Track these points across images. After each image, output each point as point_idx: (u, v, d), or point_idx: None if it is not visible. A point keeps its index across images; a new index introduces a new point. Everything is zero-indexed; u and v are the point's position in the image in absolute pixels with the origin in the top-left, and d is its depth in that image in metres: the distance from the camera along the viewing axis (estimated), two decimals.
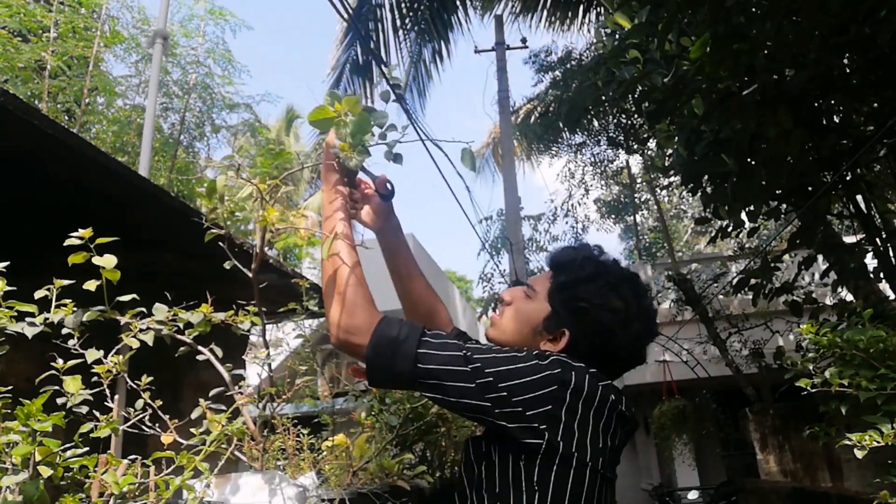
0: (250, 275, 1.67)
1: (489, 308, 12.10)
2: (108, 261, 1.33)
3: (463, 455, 1.14)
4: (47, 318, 1.32)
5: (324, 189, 1.24)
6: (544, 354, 1.04)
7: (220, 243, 1.75)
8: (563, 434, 0.98)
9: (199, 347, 1.42)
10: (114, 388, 1.54)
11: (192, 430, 1.54)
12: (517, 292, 1.20)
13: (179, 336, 1.45)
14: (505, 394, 0.97)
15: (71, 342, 1.42)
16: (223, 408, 1.74)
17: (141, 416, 1.61)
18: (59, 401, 1.28)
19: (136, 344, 1.48)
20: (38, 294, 1.36)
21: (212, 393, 1.77)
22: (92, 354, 1.37)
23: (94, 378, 1.47)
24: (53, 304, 1.34)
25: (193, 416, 1.61)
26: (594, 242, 1.24)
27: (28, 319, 1.30)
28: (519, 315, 1.17)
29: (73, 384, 1.27)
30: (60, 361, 1.35)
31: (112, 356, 1.51)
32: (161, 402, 1.68)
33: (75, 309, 1.36)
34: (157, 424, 1.70)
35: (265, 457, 2.21)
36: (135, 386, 1.63)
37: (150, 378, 1.66)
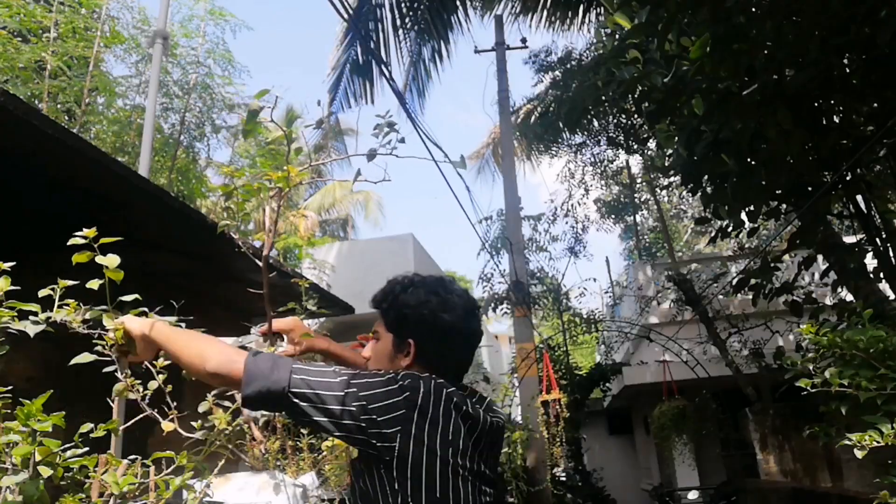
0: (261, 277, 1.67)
1: (489, 308, 12.09)
2: (111, 260, 1.34)
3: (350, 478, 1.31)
4: (49, 318, 1.33)
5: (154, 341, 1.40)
6: (397, 376, 1.20)
7: (237, 243, 1.75)
8: (414, 441, 1.14)
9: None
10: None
11: (194, 424, 1.54)
12: (370, 345, 1.42)
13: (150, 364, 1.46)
14: (364, 402, 1.14)
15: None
16: (228, 405, 1.74)
17: (142, 415, 1.61)
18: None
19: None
20: (42, 293, 1.36)
21: (212, 393, 1.77)
22: (88, 357, 1.37)
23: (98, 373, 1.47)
24: (56, 303, 1.35)
25: (200, 409, 1.61)
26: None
27: (31, 318, 1.31)
28: (377, 356, 1.38)
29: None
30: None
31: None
32: (161, 402, 1.68)
33: (78, 307, 1.37)
34: (159, 408, 1.69)
35: (265, 457, 2.22)
36: (135, 388, 1.63)
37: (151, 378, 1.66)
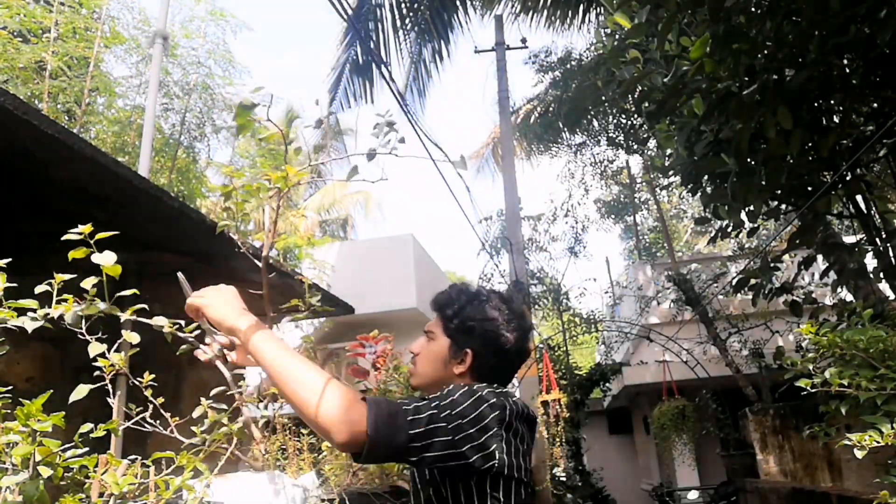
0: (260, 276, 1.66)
1: None
2: (106, 257, 1.33)
3: (412, 483, 1.32)
4: (48, 314, 1.32)
5: (242, 330, 1.21)
6: (483, 392, 1.20)
7: (237, 243, 1.75)
8: (507, 455, 1.19)
9: (201, 346, 1.41)
10: (114, 387, 1.54)
11: (193, 428, 1.54)
12: (421, 341, 1.44)
13: (181, 334, 1.44)
14: (472, 430, 1.14)
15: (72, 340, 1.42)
16: (224, 407, 1.74)
17: (142, 413, 1.61)
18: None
19: (136, 339, 1.47)
20: (39, 289, 1.35)
21: (213, 392, 1.77)
22: (96, 347, 1.37)
23: (96, 373, 1.47)
24: (54, 300, 1.34)
25: (195, 414, 1.61)
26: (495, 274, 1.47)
27: (29, 314, 1.30)
28: (429, 357, 1.41)
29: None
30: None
31: (113, 353, 1.51)
32: (161, 400, 1.68)
33: (76, 303, 1.36)
34: (158, 422, 1.70)
35: (265, 457, 2.22)
36: (137, 383, 1.63)
37: (151, 377, 1.66)
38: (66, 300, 1.35)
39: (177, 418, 1.69)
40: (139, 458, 1.43)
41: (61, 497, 1.23)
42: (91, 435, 1.27)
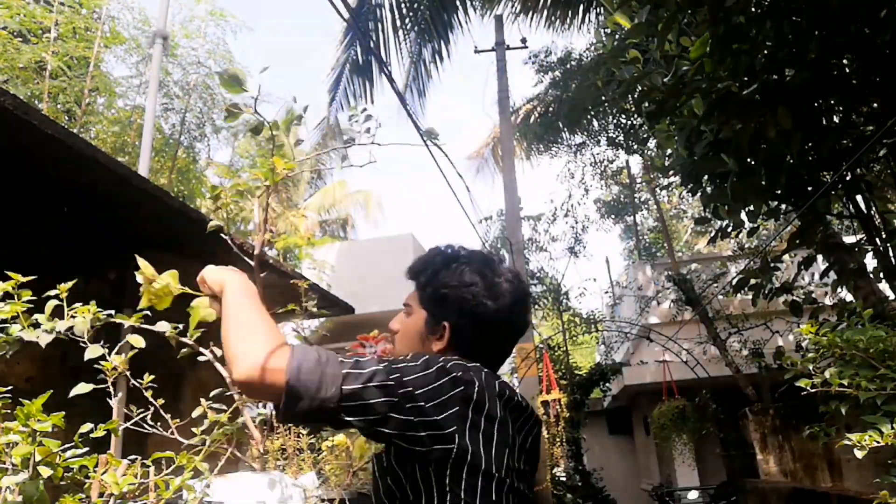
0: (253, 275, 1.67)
1: None
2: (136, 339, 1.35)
3: (371, 474, 1.15)
4: (54, 328, 1.32)
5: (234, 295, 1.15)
6: (447, 364, 1.04)
7: (228, 241, 1.75)
8: (470, 440, 1.00)
9: (200, 349, 1.41)
10: (115, 388, 1.54)
11: (193, 429, 1.54)
12: (400, 316, 1.26)
13: (181, 338, 1.44)
14: (422, 403, 0.98)
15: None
16: (224, 407, 1.74)
17: (143, 414, 1.61)
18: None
19: (140, 343, 1.47)
20: (49, 306, 1.35)
21: (213, 393, 1.77)
22: (94, 350, 1.37)
23: (99, 377, 1.47)
24: (67, 313, 1.33)
25: (194, 415, 1.61)
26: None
27: (43, 326, 1.30)
28: (406, 333, 1.23)
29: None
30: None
31: (114, 355, 1.51)
32: (162, 402, 1.68)
33: (84, 314, 1.36)
34: (158, 423, 1.70)
35: (265, 457, 2.21)
36: (137, 384, 1.63)
37: (151, 377, 1.66)
38: (76, 313, 1.35)
39: (177, 420, 1.69)
40: (139, 458, 1.43)
41: (61, 497, 1.23)
42: (91, 435, 1.27)
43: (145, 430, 1.66)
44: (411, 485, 1.03)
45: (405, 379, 1.00)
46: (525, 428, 1.13)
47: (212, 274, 1.23)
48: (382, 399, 0.97)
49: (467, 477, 1.00)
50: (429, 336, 1.19)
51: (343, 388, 0.96)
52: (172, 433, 1.67)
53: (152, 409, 1.65)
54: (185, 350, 1.49)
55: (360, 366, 1.00)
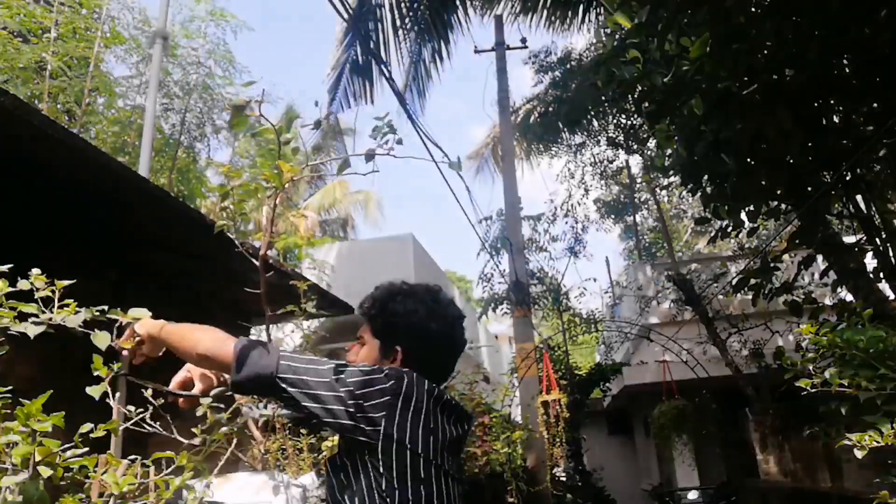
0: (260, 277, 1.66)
1: (489, 308, 12.09)
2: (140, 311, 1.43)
3: (326, 476, 1.33)
4: (51, 319, 1.33)
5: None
6: (381, 367, 1.27)
7: (235, 243, 1.75)
8: (398, 427, 1.19)
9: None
10: (114, 388, 1.53)
11: (193, 430, 1.54)
12: (354, 348, 1.44)
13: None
14: (352, 388, 1.18)
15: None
16: (222, 406, 1.73)
17: (142, 413, 1.61)
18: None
19: (147, 314, 1.48)
20: (40, 295, 1.35)
21: (213, 392, 1.77)
22: (102, 338, 1.37)
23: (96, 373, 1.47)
24: (56, 304, 1.34)
25: (198, 413, 1.61)
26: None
27: (32, 319, 1.31)
28: (362, 361, 1.39)
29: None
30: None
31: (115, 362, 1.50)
32: (162, 402, 1.68)
33: (78, 310, 1.36)
34: (157, 423, 1.70)
35: (265, 457, 2.22)
36: (137, 383, 1.63)
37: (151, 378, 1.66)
38: (67, 305, 1.35)
39: (177, 421, 1.68)
40: (139, 458, 1.43)
41: (61, 497, 1.23)
42: (91, 435, 1.27)
43: (145, 430, 1.66)
44: (355, 473, 1.20)
45: (341, 368, 1.21)
46: (458, 423, 1.32)
47: (141, 328, 1.42)
48: (316, 379, 1.18)
49: (397, 457, 1.18)
50: (382, 360, 1.36)
51: (280, 361, 1.20)
52: (172, 432, 1.67)
53: (151, 407, 1.65)
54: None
55: (300, 353, 1.28)
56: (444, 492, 1.21)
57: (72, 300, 1.36)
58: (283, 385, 1.19)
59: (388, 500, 1.17)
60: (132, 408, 1.63)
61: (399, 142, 1.64)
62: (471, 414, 1.42)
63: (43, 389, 1.14)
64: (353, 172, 1.63)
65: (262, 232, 1.95)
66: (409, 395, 1.22)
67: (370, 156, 1.55)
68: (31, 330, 1.29)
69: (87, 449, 1.24)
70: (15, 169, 2.69)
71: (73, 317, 1.35)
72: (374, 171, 1.59)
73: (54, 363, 2.92)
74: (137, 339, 1.42)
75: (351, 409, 1.17)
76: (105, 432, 1.31)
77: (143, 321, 1.43)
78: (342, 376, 1.20)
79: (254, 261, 1.62)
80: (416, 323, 1.35)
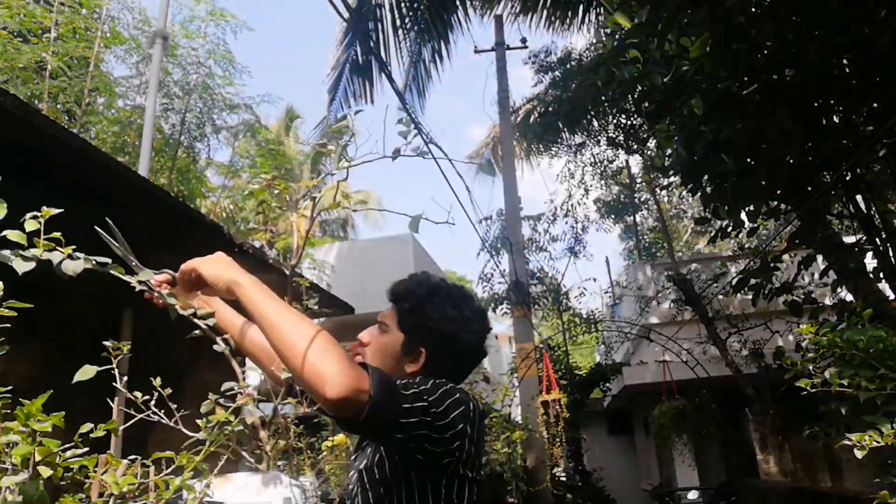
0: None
1: (489, 308, 12.09)
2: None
3: (356, 486, 1.22)
4: (37, 256, 1.12)
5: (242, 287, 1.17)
6: (451, 388, 1.15)
7: (235, 244, 1.75)
8: (466, 453, 1.15)
9: (214, 336, 1.38)
10: (114, 389, 1.54)
11: (199, 421, 1.53)
12: (373, 331, 1.34)
13: (195, 319, 1.35)
14: (440, 422, 1.09)
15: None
16: (231, 405, 1.73)
17: (144, 414, 1.61)
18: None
19: (152, 276, 1.32)
20: (30, 226, 1.15)
21: (224, 387, 1.76)
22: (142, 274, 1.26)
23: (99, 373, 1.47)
24: (42, 236, 1.13)
25: (202, 410, 1.61)
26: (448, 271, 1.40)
27: (16, 251, 1.10)
28: (380, 349, 1.30)
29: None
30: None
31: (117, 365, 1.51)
32: (168, 391, 1.68)
33: (75, 254, 1.16)
34: (161, 413, 1.69)
35: (265, 457, 2.22)
36: (130, 395, 1.63)
37: (151, 379, 1.66)
38: (59, 240, 1.16)
39: (177, 422, 1.68)
40: (139, 458, 1.43)
41: (61, 497, 1.23)
42: (91, 435, 1.27)
43: (145, 430, 1.66)
44: (407, 490, 1.14)
45: (430, 399, 1.09)
46: (483, 431, 1.28)
47: (214, 269, 1.20)
48: (421, 418, 1.07)
49: (458, 482, 1.15)
50: (403, 357, 1.28)
51: (404, 406, 1.04)
52: (176, 422, 1.66)
53: (156, 397, 1.65)
54: (196, 331, 1.38)
55: (406, 387, 1.08)
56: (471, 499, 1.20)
57: (72, 247, 1.18)
58: (399, 436, 1.06)
59: None
60: (139, 394, 1.63)
61: (422, 151, 1.61)
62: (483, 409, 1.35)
63: (43, 389, 1.14)
64: (344, 178, 1.60)
65: (262, 232, 1.94)
66: (475, 420, 1.17)
67: (396, 155, 1.53)
68: (20, 266, 1.08)
69: (87, 449, 1.23)
70: (14, 169, 2.69)
71: (69, 263, 1.13)
72: (449, 222, 1.56)
73: (54, 363, 2.92)
74: (193, 276, 1.22)
75: (440, 445, 1.10)
76: (105, 432, 1.31)
77: (215, 259, 1.22)
78: (434, 408, 1.09)
79: (283, 267, 1.62)
80: (450, 332, 1.27)
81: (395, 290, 1.35)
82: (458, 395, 1.14)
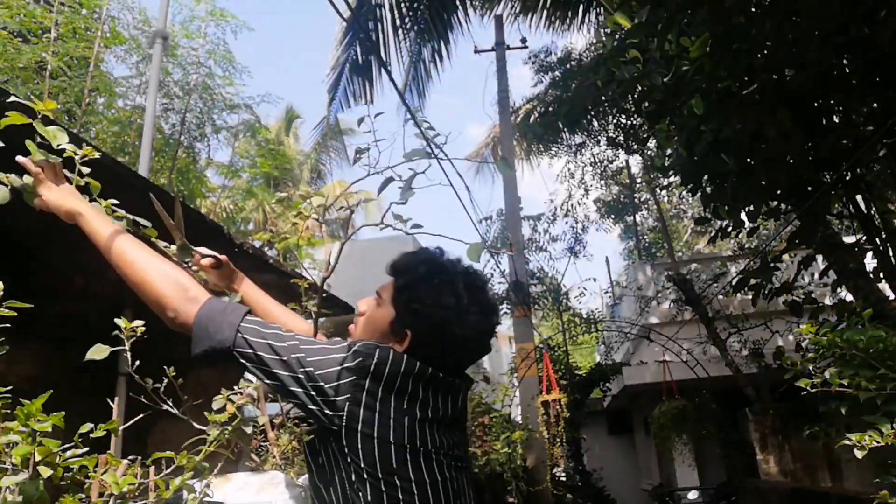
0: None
1: None
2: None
3: (305, 461, 1.23)
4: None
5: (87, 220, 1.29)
6: (354, 344, 1.12)
7: (236, 243, 1.75)
8: (365, 411, 1.06)
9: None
10: (114, 389, 1.54)
11: (207, 413, 1.53)
12: (370, 301, 1.27)
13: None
14: (311, 369, 1.07)
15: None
16: (242, 402, 1.73)
17: (145, 412, 1.61)
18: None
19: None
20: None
21: (239, 385, 1.76)
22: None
23: (99, 373, 1.47)
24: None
25: (214, 406, 1.61)
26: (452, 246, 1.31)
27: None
28: (369, 323, 1.24)
29: None
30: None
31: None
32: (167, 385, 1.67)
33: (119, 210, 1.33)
34: (163, 409, 1.69)
35: (265, 457, 2.22)
36: (137, 378, 1.63)
37: (151, 379, 1.66)
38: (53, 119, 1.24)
39: (185, 410, 1.68)
40: (139, 457, 1.43)
41: (61, 497, 1.23)
42: (91, 435, 1.27)
43: (145, 430, 1.66)
44: (327, 461, 1.11)
45: (303, 346, 1.10)
46: (452, 396, 1.18)
47: (55, 197, 1.30)
48: (273, 357, 1.08)
49: (364, 448, 1.05)
50: (389, 335, 1.20)
51: (238, 334, 1.09)
52: (184, 413, 1.66)
53: (162, 386, 1.64)
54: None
55: (265, 325, 1.12)
56: (434, 480, 1.08)
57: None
58: (242, 360, 1.09)
59: (359, 493, 1.06)
60: (150, 380, 1.62)
61: (439, 138, 1.59)
62: (467, 375, 1.24)
63: (43, 389, 1.14)
64: (387, 225, 1.53)
65: (262, 232, 1.95)
66: (378, 374, 1.07)
67: (410, 182, 1.51)
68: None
69: (87, 449, 1.23)
70: (13, 169, 2.68)
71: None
72: (417, 227, 1.50)
73: (54, 363, 2.92)
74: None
75: (311, 393, 1.06)
76: (105, 432, 1.31)
77: (58, 189, 1.30)
78: (302, 355, 1.07)
79: (312, 275, 1.62)
80: (439, 320, 1.15)
81: (397, 262, 1.26)
82: (359, 348, 1.09)
